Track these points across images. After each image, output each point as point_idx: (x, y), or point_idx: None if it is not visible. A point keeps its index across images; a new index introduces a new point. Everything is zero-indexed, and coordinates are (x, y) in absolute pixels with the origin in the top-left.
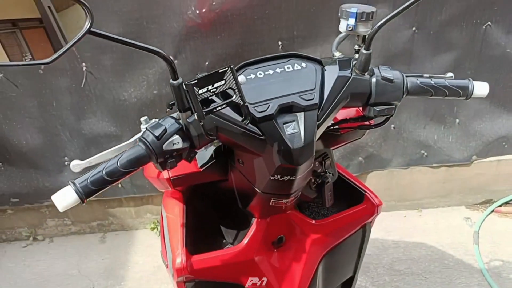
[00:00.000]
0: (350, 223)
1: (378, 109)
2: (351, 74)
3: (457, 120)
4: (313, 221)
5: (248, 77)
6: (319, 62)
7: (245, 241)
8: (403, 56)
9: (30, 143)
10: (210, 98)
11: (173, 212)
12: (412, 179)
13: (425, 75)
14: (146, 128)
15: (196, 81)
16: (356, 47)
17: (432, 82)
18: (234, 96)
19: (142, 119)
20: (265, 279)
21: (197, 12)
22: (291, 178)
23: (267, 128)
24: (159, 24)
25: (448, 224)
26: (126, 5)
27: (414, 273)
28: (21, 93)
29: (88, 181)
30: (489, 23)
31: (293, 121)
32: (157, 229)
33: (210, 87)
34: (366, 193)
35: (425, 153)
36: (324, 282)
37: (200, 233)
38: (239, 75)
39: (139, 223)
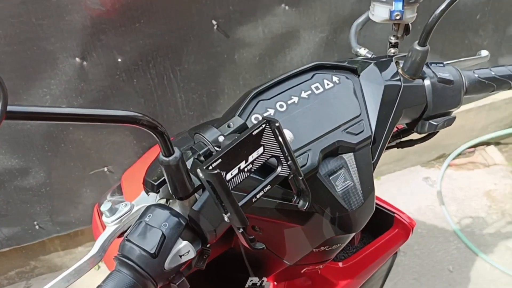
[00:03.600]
0: (382, 256)
1: (436, 123)
2: (401, 81)
3: None
4: (340, 264)
5: (265, 114)
6: (352, 70)
7: None
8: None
9: None
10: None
11: None
12: None
13: (455, 61)
14: (126, 238)
15: (219, 160)
16: (392, 39)
17: (493, 73)
18: (279, 168)
19: (104, 208)
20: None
21: None
22: (342, 245)
23: (310, 190)
24: (54, 18)
25: (410, 188)
26: None
27: None
28: None
29: None
30: None
31: (341, 168)
32: None
33: (242, 165)
34: (395, 215)
35: None
36: None
37: None
38: (253, 114)
39: (70, 259)
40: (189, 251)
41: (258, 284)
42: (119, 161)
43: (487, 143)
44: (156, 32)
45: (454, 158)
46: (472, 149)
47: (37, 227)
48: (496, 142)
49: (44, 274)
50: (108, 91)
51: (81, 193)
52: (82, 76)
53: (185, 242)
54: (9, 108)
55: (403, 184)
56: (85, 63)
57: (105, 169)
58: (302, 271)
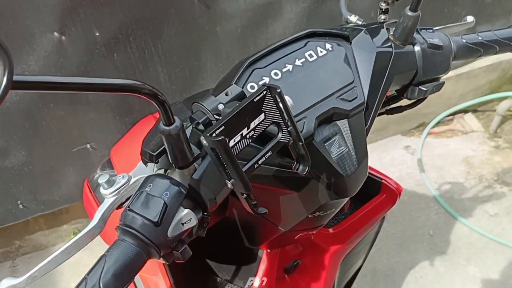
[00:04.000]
0: (370, 221)
1: (425, 89)
2: (392, 47)
3: None
4: (331, 230)
5: (261, 82)
6: (344, 37)
7: (257, 283)
8: None
9: None
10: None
11: (152, 271)
12: None
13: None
14: (128, 208)
15: (222, 127)
16: (383, 5)
17: (480, 38)
18: (280, 134)
19: (102, 180)
20: (265, 279)
21: None
22: (336, 210)
23: None
24: None
25: (391, 157)
26: None
27: None
28: None
29: None
30: None
31: (336, 134)
32: None
33: (245, 131)
34: (383, 181)
35: None
36: (338, 285)
37: (185, 279)
38: (249, 82)
39: (55, 238)
40: (191, 218)
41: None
42: (102, 137)
43: (465, 111)
44: (135, 4)
45: (433, 127)
46: (450, 117)
47: (20, 206)
48: (473, 109)
49: (29, 253)
50: (88, 66)
51: (64, 171)
52: (61, 51)
53: (187, 210)
54: (15, 78)
55: (384, 153)
56: (63, 37)
57: (88, 146)
58: (295, 237)
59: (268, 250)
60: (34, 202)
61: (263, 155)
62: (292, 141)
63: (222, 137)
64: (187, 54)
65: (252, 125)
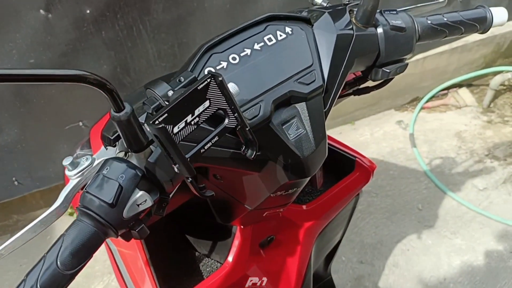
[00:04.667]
0: (344, 198)
1: (388, 70)
2: (353, 30)
3: None
4: (304, 207)
5: (218, 67)
6: (305, 20)
7: (230, 257)
8: None
9: None
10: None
11: (128, 245)
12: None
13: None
14: (85, 190)
15: (165, 114)
16: None
17: (445, 19)
18: (227, 120)
19: (66, 162)
20: (265, 279)
21: None
22: (298, 189)
23: (263, 139)
24: None
25: (383, 132)
26: None
27: (363, 192)
28: None
29: None
30: None
31: (294, 117)
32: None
33: (189, 118)
34: (356, 159)
35: None
36: (315, 260)
37: (164, 254)
38: (206, 67)
39: None
40: (146, 200)
41: (258, 284)
42: (94, 115)
43: (459, 85)
44: None
45: (427, 101)
46: (445, 92)
47: (16, 183)
48: (468, 84)
49: None
50: (77, 44)
51: (58, 148)
52: (48, 29)
53: (141, 192)
54: None
55: (376, 128)
56: (50, 15)
57: (80, 123)
58: (264, 215)
59: (242, 227)
60: (29, 179)
61: (210, 140)
62: (239, 126)
63: (163, 124)
64: (175, 31)
65: (197, 112)
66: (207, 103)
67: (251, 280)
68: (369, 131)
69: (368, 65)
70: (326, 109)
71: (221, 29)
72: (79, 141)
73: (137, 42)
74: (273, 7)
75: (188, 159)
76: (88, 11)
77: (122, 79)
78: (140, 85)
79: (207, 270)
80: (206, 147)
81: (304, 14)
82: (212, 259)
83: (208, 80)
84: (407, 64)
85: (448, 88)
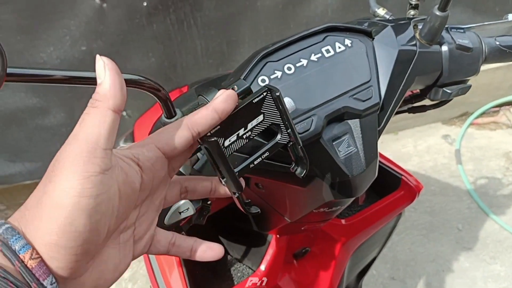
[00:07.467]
0: (385, 216)
1: (450, 91)
2: (416, 46)
3: None
4: (343, 221)
5: (272, 76)
6: (367, 33)
7: (263, 266)
8: None
9: None
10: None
11: None
12: None
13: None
14: None
15: (218, 126)
16: (413, 1)
17: None
18: (279, 136)
19: None
20: (265, 279)
21: None
22: (342, 207)
23: (311, 154)
24: None
25: (427, 145)
26: None
27: None
28: None
29: None
30: None
31: (346, 133)
32: None
33: (241, 132)
34: (402, 177)
35: None
36: (348, 275)
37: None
38: (260, 75)
39: None
40: (188, 208)
41: (258, 284)
42: (137, 105)
43: None
44: None
45: (477, 117)
46: (497, 109)
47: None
48: None
49: None
50: (128, 35)
51: None
52: (102, 18)
53: (184, 200)
54: (9, 70)
55: (420, 141)
56: (104, 5)
57: (124, 113)
58: (302, 228)
59: (278, 236)
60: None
61: (260, 155)
62: (291, 143)
63: (215, 138)
64: (225, 28)
65: (250, 126)
66: (261, 117)
67: (251, 280)
68: (412, 143)
69: (429, 84)
70: (380, 127)
71: (271, 30)
72: (120, 130)
73: (186, 37)
74: (326, 10)
75: (238, 174)
76: (141, 3)
77: (168, 73)
78: (186, 81)
79: (238, 275)
80: (255, 163)
81: (365, 26)
82: (244, 265)
83: (264, 93)
84: (470, 86)
85: (500, 105)
